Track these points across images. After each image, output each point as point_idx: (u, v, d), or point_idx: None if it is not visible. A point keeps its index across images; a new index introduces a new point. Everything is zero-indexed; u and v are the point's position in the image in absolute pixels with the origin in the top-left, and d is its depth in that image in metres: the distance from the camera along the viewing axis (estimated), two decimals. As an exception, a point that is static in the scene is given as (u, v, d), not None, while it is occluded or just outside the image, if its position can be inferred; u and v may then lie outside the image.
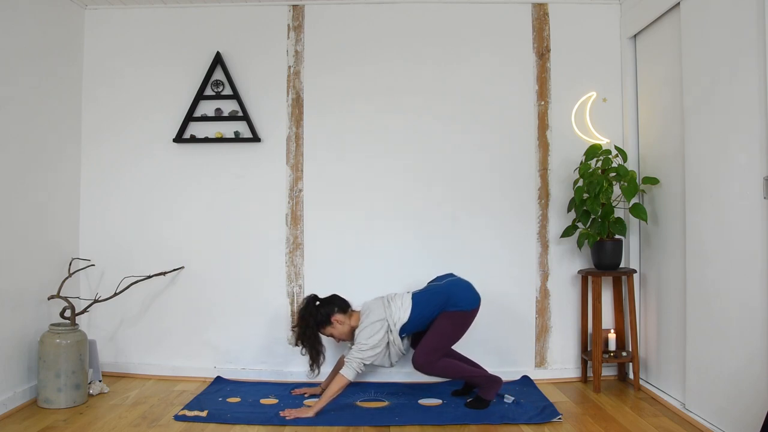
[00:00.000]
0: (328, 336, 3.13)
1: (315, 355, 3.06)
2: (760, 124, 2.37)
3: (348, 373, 2.88)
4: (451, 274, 3.26)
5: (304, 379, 3.52)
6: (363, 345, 2.91)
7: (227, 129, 3.66)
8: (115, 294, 3.41)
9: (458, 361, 3.09)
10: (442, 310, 3.01)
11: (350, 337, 3.08)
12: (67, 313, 3.21)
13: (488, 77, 3.64)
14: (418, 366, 2.97)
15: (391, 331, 2.97)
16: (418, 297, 3.06)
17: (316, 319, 3.04)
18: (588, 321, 3.54)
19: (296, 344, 3.09)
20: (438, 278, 3.27)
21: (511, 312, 3.59)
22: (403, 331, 3.02)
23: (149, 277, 3.52)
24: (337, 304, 3.08)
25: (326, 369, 3.28)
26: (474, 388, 3.17)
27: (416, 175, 3.63)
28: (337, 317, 3.05)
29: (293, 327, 3.10)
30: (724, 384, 2.60)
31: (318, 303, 3.09)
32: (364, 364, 2.92)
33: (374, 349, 2.92)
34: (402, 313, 2.98)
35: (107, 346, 3.66)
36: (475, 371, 3.08)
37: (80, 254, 3.66)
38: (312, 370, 3.08)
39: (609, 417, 2.90)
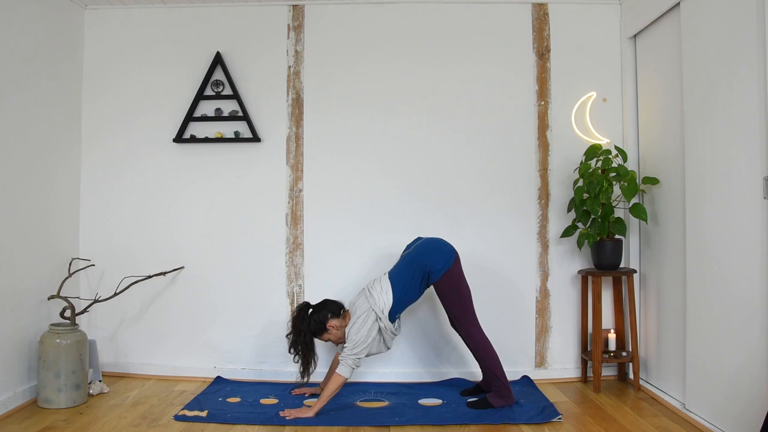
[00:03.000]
0: (326, 342, 3.13)
1: (307, 364, 3.04)
2: (760, 124, 2.37)
3: (344, 372, 2.87)
4: (419, 238, 3.22)
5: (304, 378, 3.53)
6: (353, 341, 2.89)
7: (227, 129, 3.66)
8: (115, 294, 3.41)
9: (495, 352, 3.04)
10: (429, 283, 3.00)
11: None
12: (67, 313, 3.21)
13: (488, 77, 3.64)
14: (463, 337, 3.08)
15: (380, 318, 2.93)
16: (394, 274, 3.03)
17: (311, 328, 3.02)
18: (588, 321, 3.54)
19: (289, 352, 3.06)
20: (408, 246, 3.21)
21: (511, 312, 3.59)
22: (394, 313, 2.99)
23: (149, 277, 3.52)
24: (329, 309, 3.04)
25: (320, 369, 3.30)
26: (483, 391, 3.16)
27: (416, 175, 3.63)
28: (332, 323, 3.01)
29: (287, 335, 3.07)
30: (724, 384, 2.60)
31: (311, 310, 3.07)
32: (359, 359, 2.91)
33: (365, 343, 2.90)
34: (385, 296, 2.94)
35: (107, 346, 3.66)
36: (502, 371, 3.03)
37: (80, 254, 3.66)
38: (302, 377, 3.06)
39: (609, 417, 2.90)
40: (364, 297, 2.98)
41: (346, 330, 2.97)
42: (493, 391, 3.04)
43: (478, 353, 3.04)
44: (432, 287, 3.07)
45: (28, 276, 3.19)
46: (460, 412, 2.95)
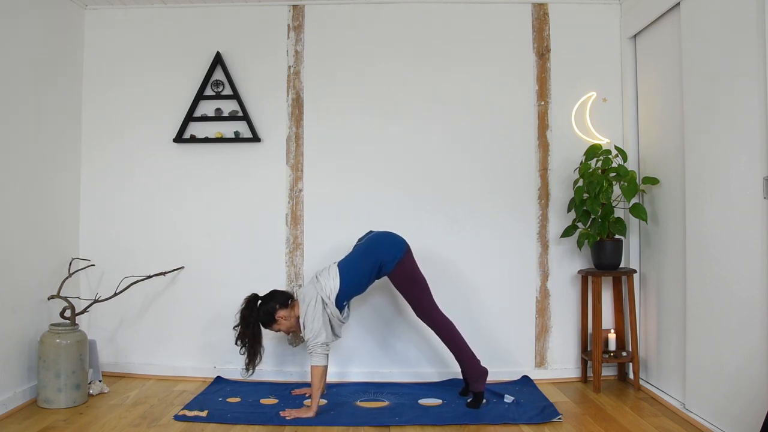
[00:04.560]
0: (277, 332, 3.17)
1: (252, 356, 3.06)
2: (760, 124, 2.37)
3: (318, 361, 2.90)
4: (370, 231, 3.26)
5: (304, 379, 3.53)
6: (313, 330, 2.91)
7: (227, 129, 3.66)
8: (115, 294, 3.41)
9: (459, 333, 3.09)
10: (382, 274, 3.05)
11: (299, 328, 3.07)
12: (67, 313, 3.21)
13: (488, 77, 3.64)
14: (427, 323, 3.11)
15: (326, 304, 2.96)
16: (344, 262, 3.07)
17: (260, 319, 3.06)
18: (588, 321, 3.54)
19: (236, 344, 3.08)
20: (360, 239, 3.26)
21: (511, 312, 3.59)
22: (341, 299, 3.01)
23: (149, 277, 3.52)
24: (276, 299, 3.09)
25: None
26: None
27: (416, 175, 3.63)
28: (281, 313, 3.06)
29: (235, 326, 3.09)
30: (724, 384, 2.60)
31: (260, 302, 3.10)
32: (327, 344, 2.93)
33: (324, 329, 2.92)
34: (331, 282, 2.98)
35: (107, 346, 3.66)
36: (468, 349, 3.07)
37: (80, 254, 3.66)
38: (247, 370, 3.07)
39: (609, 417, 2.90)
40: (312, 284, 3.02)
41: (301, 321, 2.98)
42: (470, 378, 3.07)
43: (442, 334, 3.09)
44: (387, 280, 3.12)
45: (28, 276, 3.19)
46: (459, 412, 2.96)
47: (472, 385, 3.06)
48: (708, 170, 2.73)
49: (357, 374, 3.57)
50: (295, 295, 3.18)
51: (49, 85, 3.40)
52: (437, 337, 3.15)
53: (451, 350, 3.13)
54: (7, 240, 3.04)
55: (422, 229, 3.57)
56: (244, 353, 3.07)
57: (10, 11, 3.06)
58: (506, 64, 3.65)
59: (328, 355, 2.94)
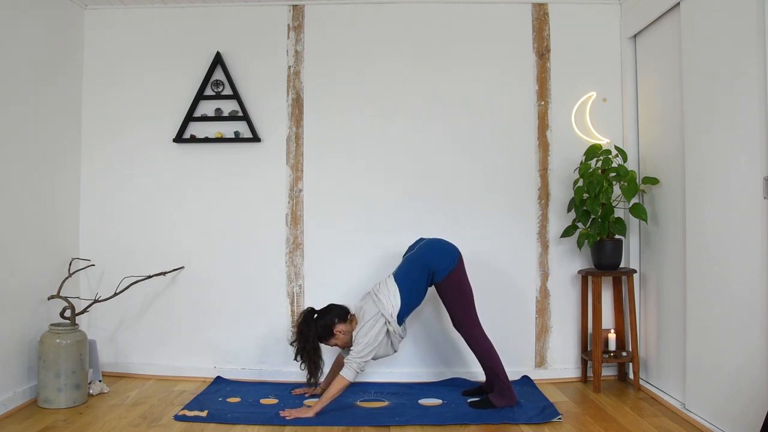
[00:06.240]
0: (332, 346, 3.09)
1: (314, 370, 2.99)
2: (760, 124, 2.37)
3: (348, 375, 2.85)
4: (421, 239, 3.20)
5: (304, 379, 3.53)
6: (360, 344, 2.87)
7: (227, 129, 3.66)
8: (115, 294, 3.41)
9: (496, 354, 3.03)
10: (432, 283, 2.99)
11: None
12: (67, 313, 3.21)
13: (488, 77, 3.64)
14: (465, 338, 3.06)
15: (389, 322, 2.90)
16: (399, 276, 2.99)
17: (317, 333, 2.98)
18: (588, 321, 3.54)
19: (295, 359, 3.02)
20: (410, 248, 3.19)
21: (511, 312, 3.59)
22: (402, 316, 2.96)
23: (149, 277, 3.52)
24: (335, 313, 3.01)
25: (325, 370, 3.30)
26: (486, 392, 3.15)
27: (416, 175, 3.63)
28: (340, 327, 2.98)
29: (292, 342, 3.03)
30: (724, 384, 2.60)
31: (316, 315, 3.03)
32: (365, 362, 2.89)
33: (371, 346, 2.87)
34: (393, 300, 2.91)
35: (107, 346, 3.66)
36: (505, 374, 3.02)
37: (80, 254, 3.66)
38: (309, 384, 3.04)
39: (609, 417, 2.90)
40: (372, 301, 2.95)
41: (354, 334, 2.94)
42: (496, 391, 3.04)
43: (480, 355, 3.04)
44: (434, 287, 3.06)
45: (28, 276, 3.19)
46: (460, 412, 2.96)
47: (493, 398, 3.01)
48: (708, 170, 2.73)
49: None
50: (351, 310, 3.10)
51: (49, 85, 3.40)
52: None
53: (483, 368, 3.09)
54: (7, 240, 3.03)
55: (422, 229, 3.56)
56: (304, 369, 3.00)
57: (10, 11, 3.06)
58: (506, 64, 3.65)
59: (359, 374, 2.88)
